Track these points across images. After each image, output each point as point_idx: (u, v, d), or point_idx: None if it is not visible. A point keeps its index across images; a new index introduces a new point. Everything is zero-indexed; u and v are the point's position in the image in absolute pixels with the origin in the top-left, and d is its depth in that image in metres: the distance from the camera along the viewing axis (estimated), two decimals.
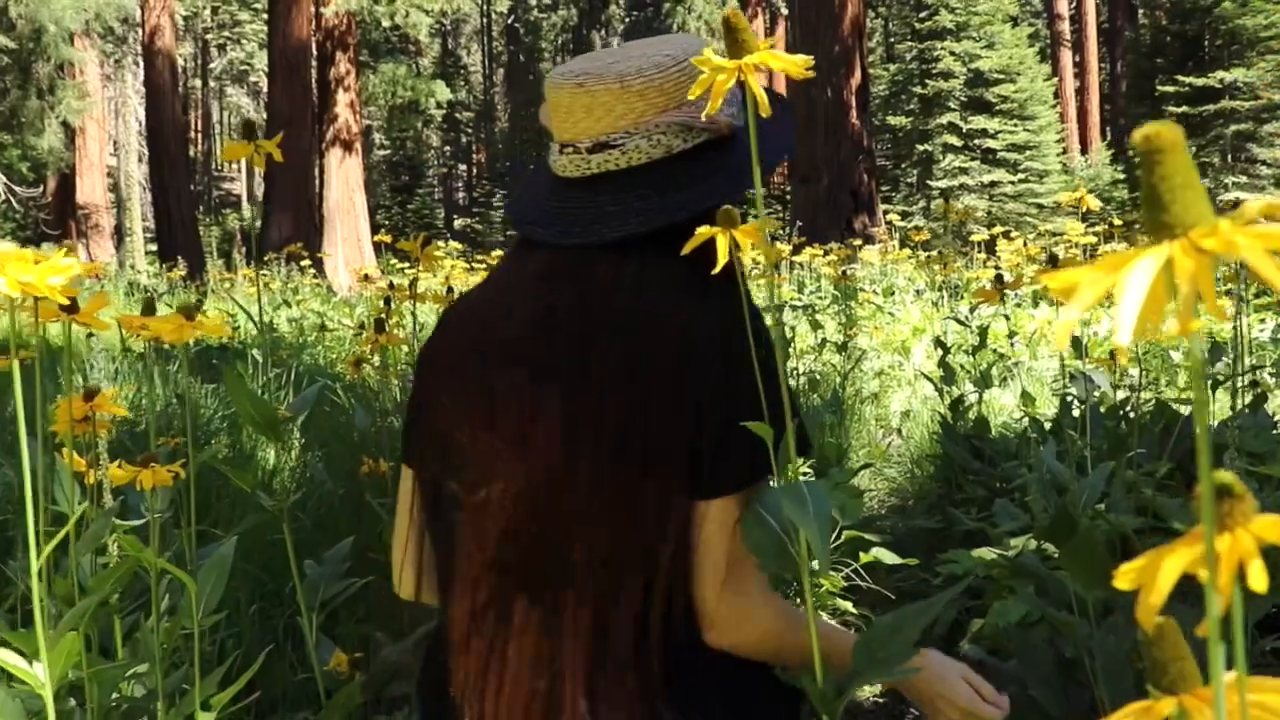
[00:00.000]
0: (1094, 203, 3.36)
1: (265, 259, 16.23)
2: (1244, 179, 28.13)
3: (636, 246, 1.23)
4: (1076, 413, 5.04)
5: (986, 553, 3.15)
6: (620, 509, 1.19)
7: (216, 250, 34.42)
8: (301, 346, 8.33)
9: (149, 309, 1.46)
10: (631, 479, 1.18)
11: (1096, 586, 1.83)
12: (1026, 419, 5.27)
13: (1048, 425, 4.99)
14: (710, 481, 1.20)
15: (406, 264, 18.39)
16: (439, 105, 29.78)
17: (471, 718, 1.22)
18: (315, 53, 22.15)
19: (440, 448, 1.29)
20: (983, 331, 5.05)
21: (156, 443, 2.63)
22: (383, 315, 3.05)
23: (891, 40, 46.41)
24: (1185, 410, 3.88)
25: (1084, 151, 36.41)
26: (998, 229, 12.63)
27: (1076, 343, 3.77)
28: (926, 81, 30.59)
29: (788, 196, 32.19)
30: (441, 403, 1.29)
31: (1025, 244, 9.58)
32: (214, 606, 1.35)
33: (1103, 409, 4.80)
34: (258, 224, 21.70)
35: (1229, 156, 28.41)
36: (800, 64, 1.05)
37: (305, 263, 13.84)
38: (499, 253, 12.64)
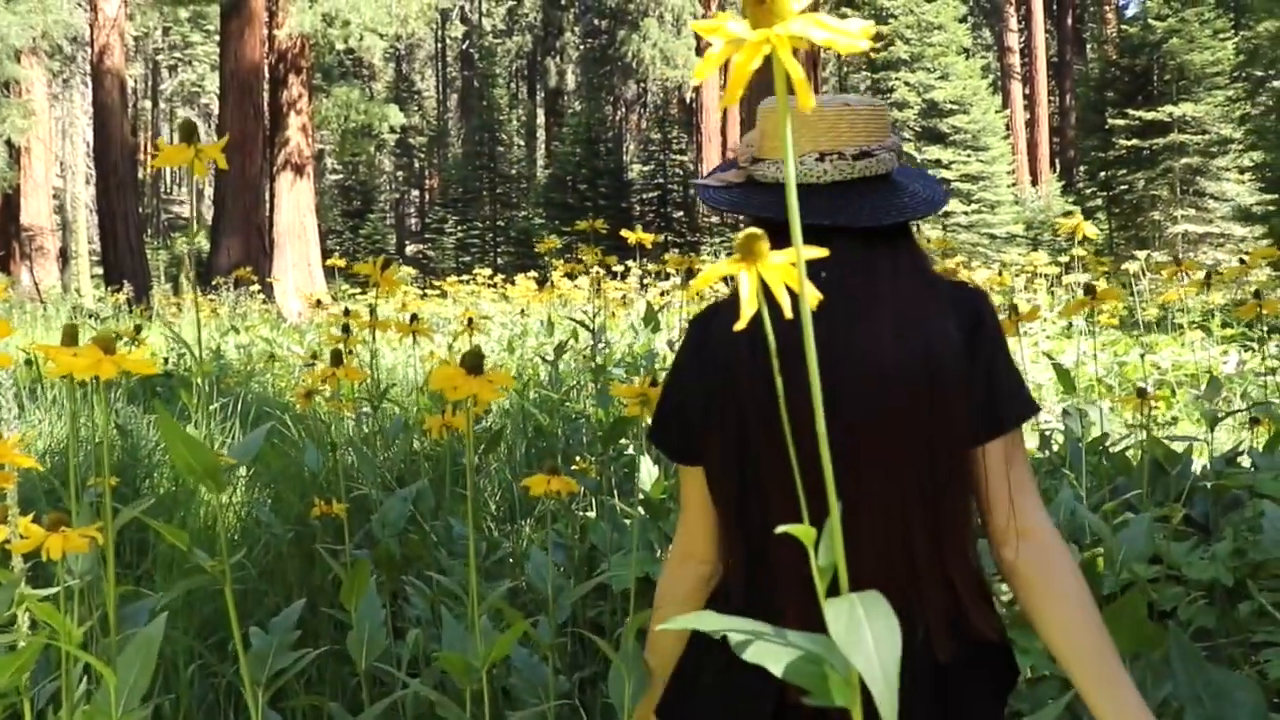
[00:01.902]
0: (1092, 231, 3.22)
1: (214, 283, 15.92)
2: (1192, 211, 28.44)
3: (887, 235, 1.50)
4: (1055, 447, 4.91)
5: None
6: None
7: (164, 274, 33.96)
8: (249, 374, 8.07)
9: (69, 339, 1.25)
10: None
11: (1141, 650, 1.66)
12: None
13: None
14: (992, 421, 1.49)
15: (359, 290, 18.14)
16: (392, 130, 29.50)
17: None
18: (268, 75, 21.87)
19: (766, 423, 1.44)
20: None
21: (88, 483, 2.40)
22: (340, 344, 2.83)
23: (845, 70, 46.71)
24: (1179, 447, 3.74)
25: (1034, 183, 36.76)
26: (956, 259, 12.57)
27: (1066, 376, 3.63)
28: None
29: (740, 225, 32.16)
30: (759, 385, 1.45)
31: (1000, 273, 9.48)
32: (140, 696, 1.14)
33: (1082, 444, 4.66)
34: (206, 246, 21.37)
35: (1178, 189, 28.70)
36: (857, 34, 0.75)
37: (254, 288, 13.57)
38: (454, 278, 12.43)
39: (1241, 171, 27.64)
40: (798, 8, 0.76)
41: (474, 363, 1.47)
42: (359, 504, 3.38)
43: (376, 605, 1.88)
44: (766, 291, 0.86)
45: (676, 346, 1.76)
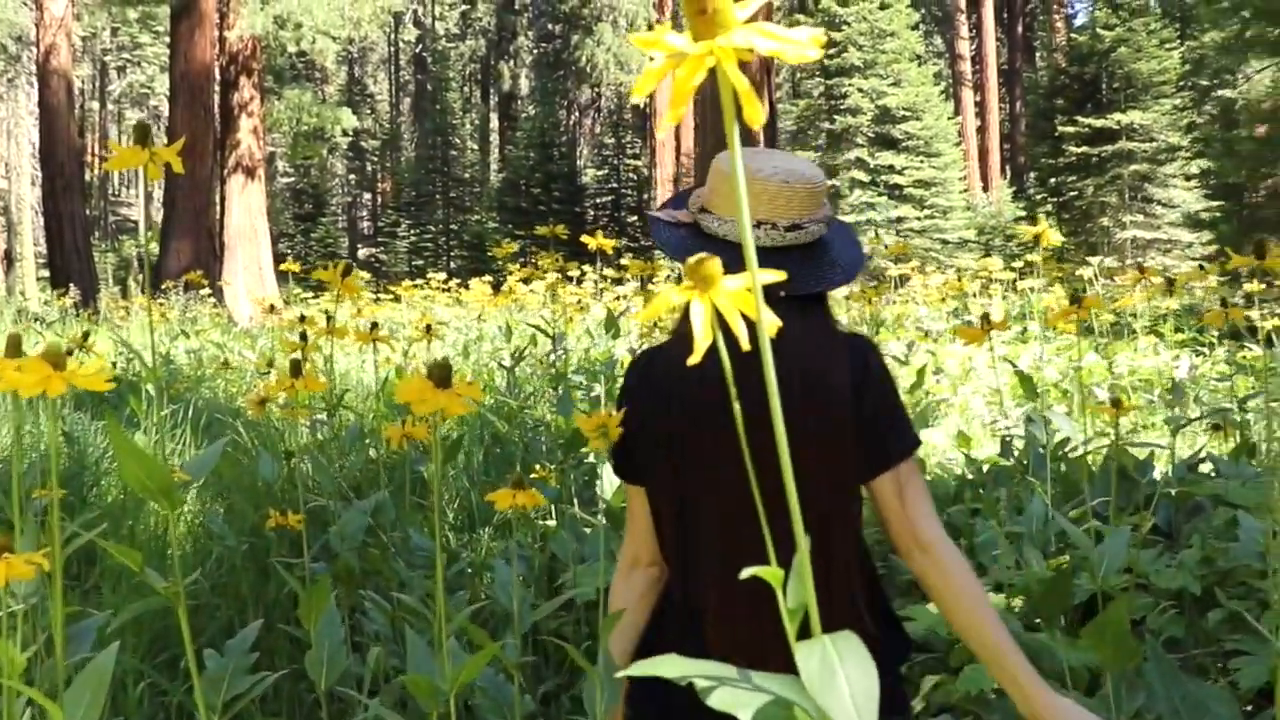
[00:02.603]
0: (1056, 238, 3.20)
1: (163, 287, 15.69)
2: (1141, 217, 28.75)
3: (799, 301, 1.73)
4: (1016, 453, 4.90)
5: None
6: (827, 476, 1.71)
7: (113, 277, 33.50)
8: (200, 380, 7.93)
9: (13, 349, 1.19)
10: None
11: (1125, 665, 1.63)
12: (963, 460, 5.12)
13: (985, 467, 4.84)
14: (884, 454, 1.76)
15: (312, 293, 17.95)
16: (344, 133, 29.35)
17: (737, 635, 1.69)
18: (218, 77, 21.62)
19: (682, 456, 1.72)
20: (920, 371, 4.90)
21: (33, 494, 2.31)
22: (297, 352, 2.75)
23: (799, 76, 46.87)
24: (1142, 454, 3.73)
25: (985, 189, 37.04)
26: (910, 264, 12.62)
27: (1028, 382, 3.62)
28: (835, 117, 30.86)
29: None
30: (682, 422, 1.73)
31: (959, 278, 9.51)
32: None
33: (1043, 450, 4.66)
34: (155, 249, 21.09)
35: (1126, 196, 29.02)
36: (805, 42, 0.70)
37: (205, 291, 13.39)
38: (408, 283, 12.32)
39: (1188, 179, 28.00)
40: (743, 16, 0.71)
41: (442, 376, 1.41)
42: (315, 514, 3.30)
43: (336, 623, 1.81)
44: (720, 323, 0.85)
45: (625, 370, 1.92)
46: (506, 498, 1.91)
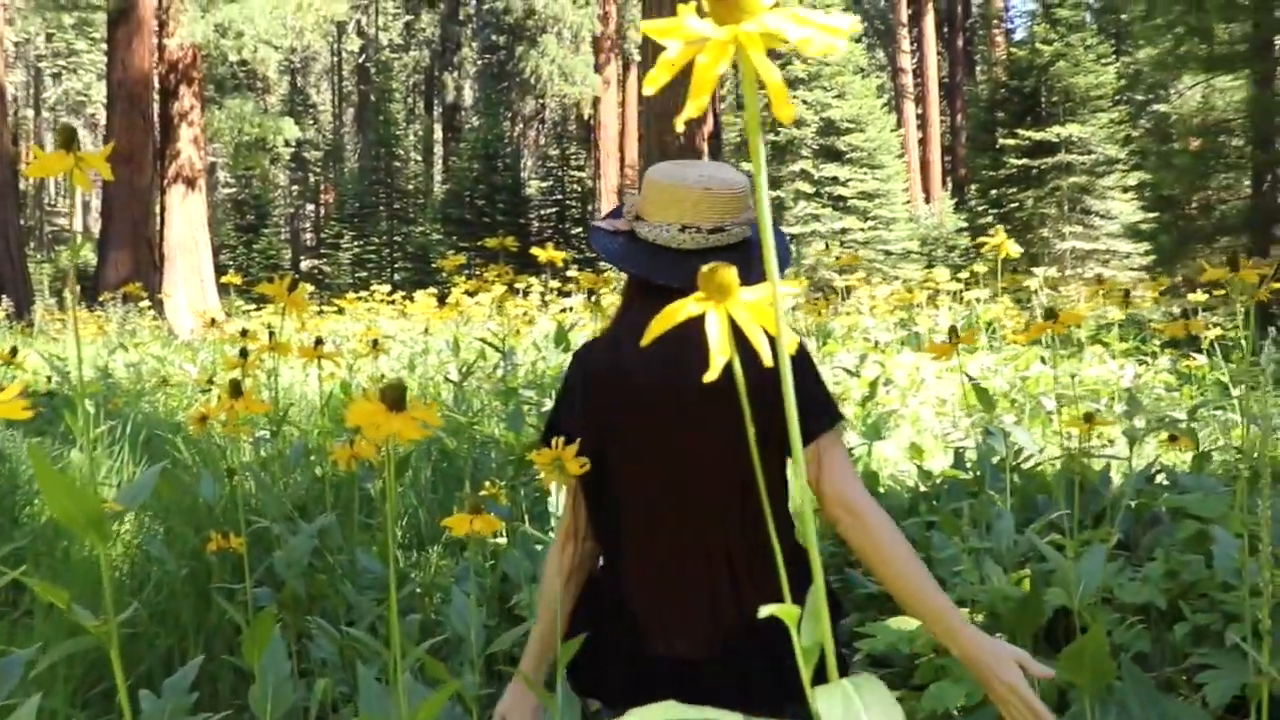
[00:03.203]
0: (1014, 250, 3.17)
1: (102, 299, 15.39)
2: (1080, 228, 29.10)
3: None
4: (969, 465, 4.88)
5: (911, 624, 2.89)
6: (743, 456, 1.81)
7: (49, 288, 32.91)
8: (139, 394, 7.76)
9: None
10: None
11: (1100, 689, 1.58)
12: (916, 471, 5.09)
13: (939, 479, 4.81)
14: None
15: (254, 306, 17.70)
16: (287, 143, 28.96)
17: (659, 605, 1.88)
18: (158, 86, 21.30)
19: (612, 443, 1.88)
20: (872, 384, 4.87)
21: None
22: (239, 370, 2.65)
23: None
24: (1098, 465, 3.71)
25: (927, 200, 37.36)
26: (856, 276, 12.65)
27: (984, 395, 3.58)
28: (779, 129, 30.94)
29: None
30: (621, 410, 1.89)
31: (909, 289, 9.51)
32: None
33: (1007, 464, 4.64)
34: (93, 260, 20.70)
35: (1066, 207, 29.37)
36: (839, 30, 0.64)
37: (144, 303, 13.15)
38: (352, 295, 12.16)
39: (1125, 190, 28.38)
40: (769, 1, 0.65)
41: (395, 398, 1.33)
42: (259, 536, 3.20)
43: (282, 656, 1.72)
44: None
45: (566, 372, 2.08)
46: (463, 523, 1.82)
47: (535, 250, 4.26)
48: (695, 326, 1.73)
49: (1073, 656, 1.59)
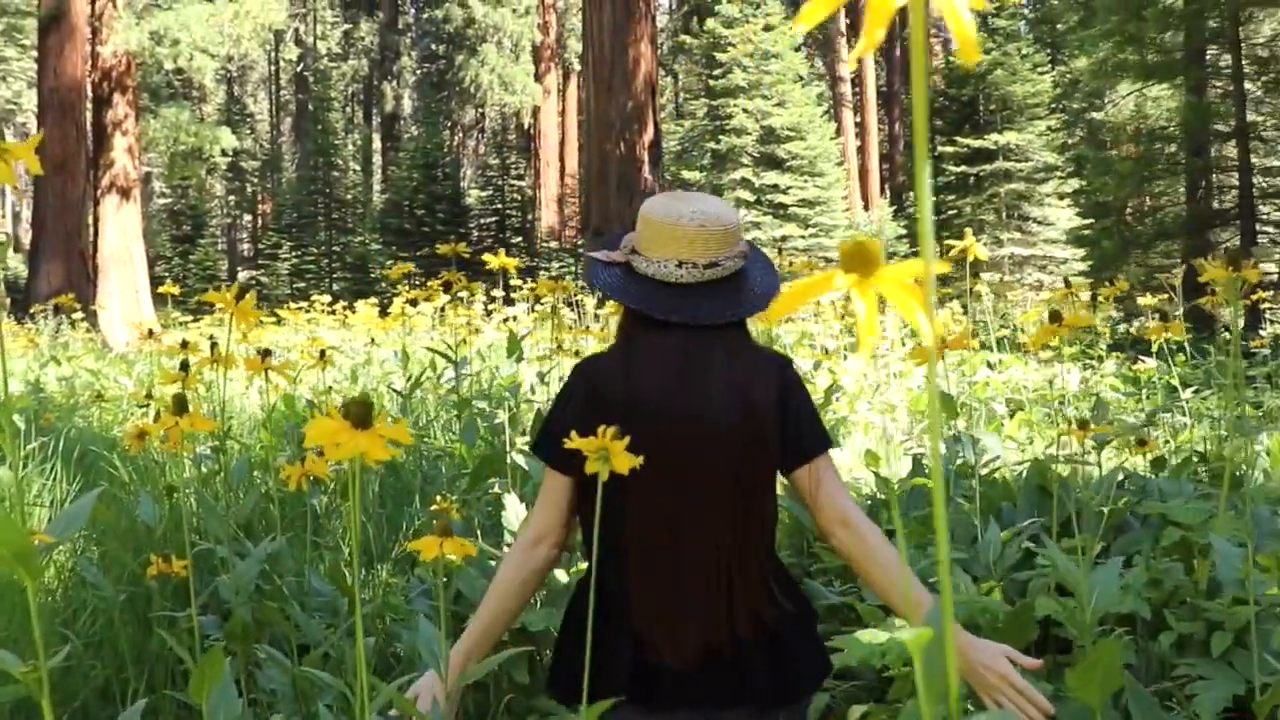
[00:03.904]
0: (982, 253, 3.11)
1: (32, 311, 15.03)
2: (1018, 235, 29.41)
3: (722, 327, 2.04)
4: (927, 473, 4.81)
5: (882, 637, 2.81)
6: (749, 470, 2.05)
7: None
8: (73, 409, 7.53)
9: None
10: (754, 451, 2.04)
11: (1107, 704, 1.50)
12: (873, 479, 5.02)
13: (897, 486, 4.75)
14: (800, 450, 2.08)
15: (191, 318, 17.37)
16: (224, 153, 28.55)
17: (662, 604, 1.99)
18: (91, 94, 20.90)
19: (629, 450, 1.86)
20: (827, 391, 4.80)
21: None
22: (179, 384, 2.51)
23: (683, 97, 47.08)
24: (1064, 470, 3.65)
25: (866, 208, 37.63)
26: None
27: (948, 401, 3.52)
28: (720, 137, 31.03)
29: (579, 250, 32.08)
30: (640, 418, 1.94)
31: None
32: None
33: (953, 468, 4.58)
34: (24, 271, 20.24)
35: (1004, 214, 29.67)
36: None
37: (77, 315, 12.85)
38: (293, 305, 11.94)
39: (1061, 197, 28.73)
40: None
41: (360, 414, 1.22)
42: (202, 557, 3.05)
43: (233, 694, 1.59)
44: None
45: (563, 381, 2.19)
46: (432, 547, 1.70)
47: (486, 256, 4.14)
48: (705, 359, 2.01)
49: (1086, 671, 1.51)
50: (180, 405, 1.99)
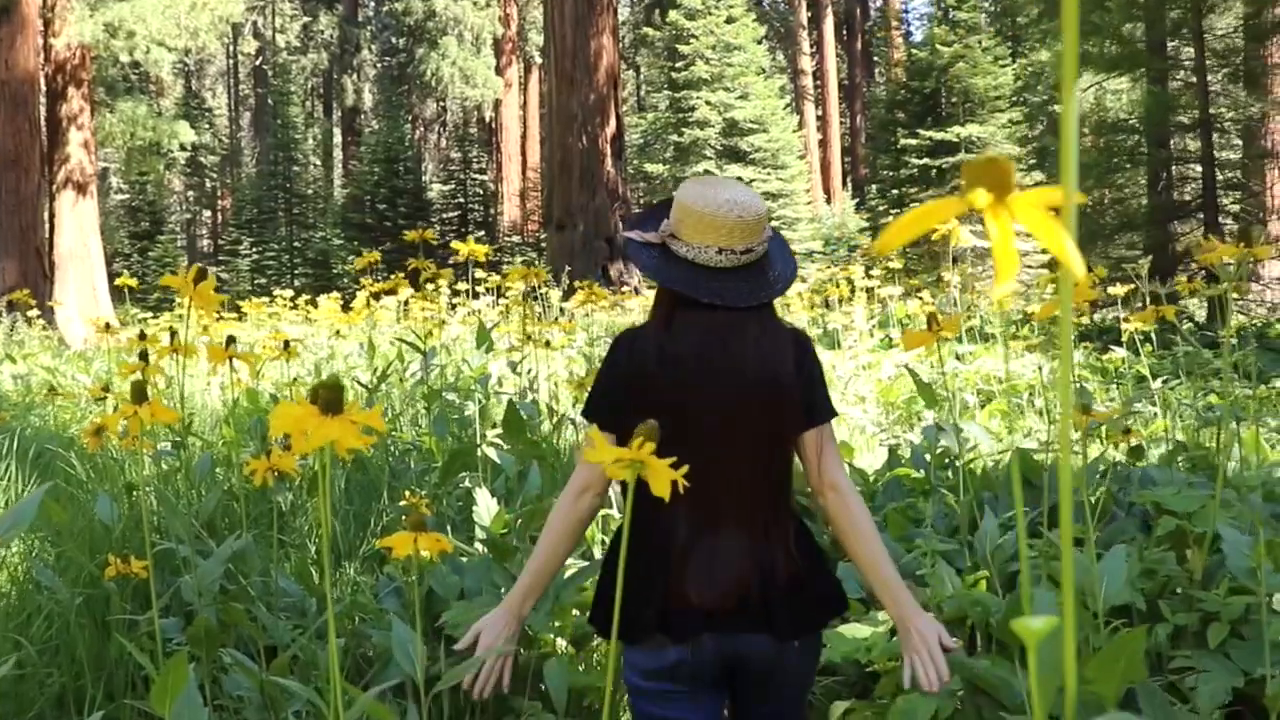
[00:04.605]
0: (966, 237, 3.05)
1: None
2: (980, 227, 29.39)
3: (754, 306, 2.25)
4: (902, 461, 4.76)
5: (866, 632, 2.74)
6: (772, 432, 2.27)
7: None
8: (29, 407, 7.37)
9: None
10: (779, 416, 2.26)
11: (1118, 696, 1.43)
12: (849, 470, 4.97)
13: (872, 477, 4.70)
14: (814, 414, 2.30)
15: (150, 314, 17.12)
16: (182, 147, 28.23)
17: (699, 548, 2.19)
18: (44, 88, 20.56)
19: (671, 412, 2.03)
20: None
21: None
22: (139, 374, 2.40)
23: (645, 90, 47.02)
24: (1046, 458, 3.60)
25: (828, 201, 37.71)
26: None
27: (927, 390, 3.46)
28: (683, 130, 30.99)
29: (542, 244, 31.91)
30: (669, 388, 2.20)
31: (836, 284, 9.43)
32: None
33: (928, 458, 4.53)
34: None
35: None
36: None
37: (33, 312, 12.64)
38: (255, 299, 11.78)
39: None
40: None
41: (330, 399, 1.12)
42: (163, 558, 2.93)
43: (198, 703, 1.50)
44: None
45: (603, 354, 2.44)
46: (406, 544, 1.61)
47: (455, 243, 4.04)
48: (740, 332, 2.22)
49: (1106, 662, 1.44)
50: (139, 393, 1.88)
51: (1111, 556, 2.13)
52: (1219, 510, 2.35)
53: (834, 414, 2.33)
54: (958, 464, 4.46)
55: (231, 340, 2.78)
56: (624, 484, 2.04)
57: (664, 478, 1.56)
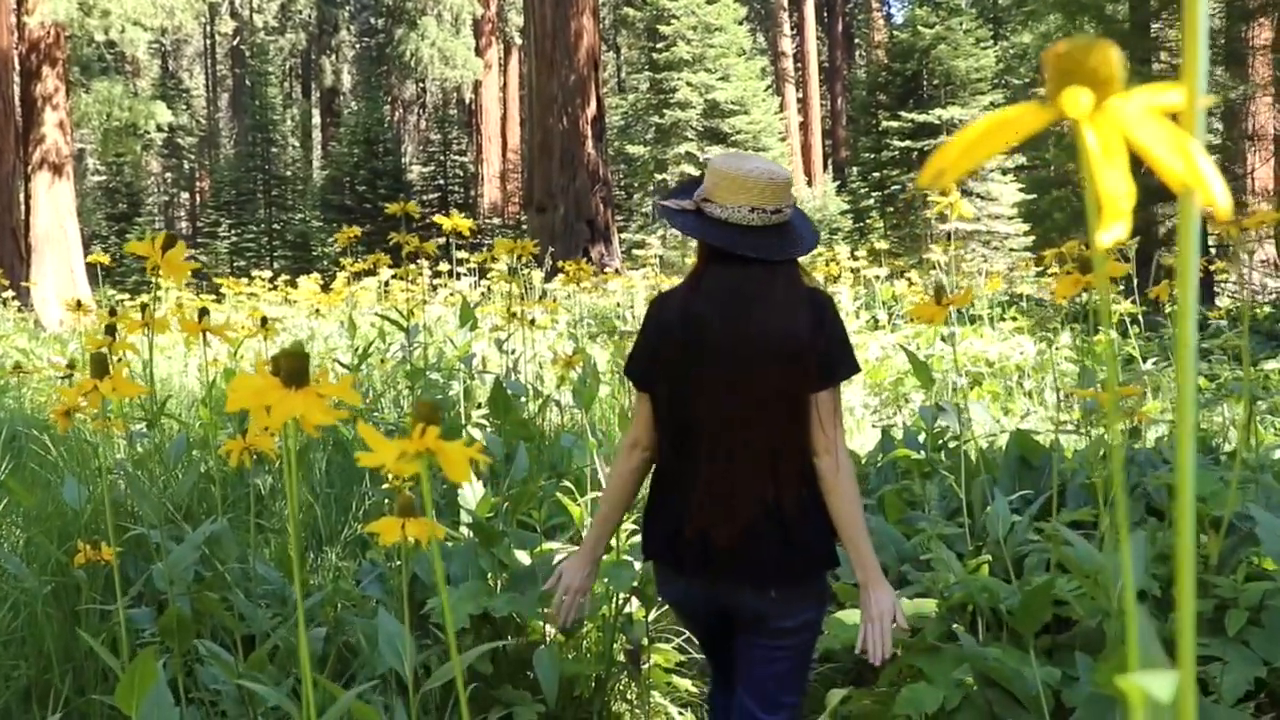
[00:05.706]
0: (968, 211, 2.96)
1: None
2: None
3: (777, 264, 2.40)
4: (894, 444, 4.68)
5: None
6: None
7: None
8: (2, 390, 7.23)
9: None
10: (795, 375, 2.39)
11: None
12: None
13: (865, 459, 4.62)
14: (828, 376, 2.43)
15: (128, 295, 16.93)
16: (159, 128, 27.90)
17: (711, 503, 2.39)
18: (18, 67, 20.30)
19: (677, 374, 2.41)
20: None
21: None
22: (104, 349, 2.28)
23: (625, 71, 46.78)
24: (1045, 441, 3.52)
25: (809, 183, 37.63)
26: None
27: (924, 370, 3.37)
28: (664, 111, 30.83)
29: (523, 226, 31.76)
30: (702, 341, 2.38)
31: (826, 264, 9.35)
32: None
33: (922, 439, 4.45)
34: None
35: (948, 189, 29.74)
36: None
37: (9, 295, 12.47)
38: (235, 280, 11.63)
39: (1005, 173, 28.86)
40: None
41: (294, 369, 1.01)
42: (137, 543, 2.83)
43: (167, 701, 1.40)
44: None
45: (641, 316, 2.54)
46: (393, 529, 1.50)
47: (439, 218, 3.93)
48: (768, 287, 2.34)
49: (1123, 660, 1.36)
50: (99, 367, 1.77)
51: (1131, 543, 2.05)
52: (1236, 493, 2.28)
53: (854, 371, 2.45)
54: (954, 445, 4.39)
55: (204, 312, 2.65)
56: (662, 433, 2.45)
57: (459, 461, 1.44)
